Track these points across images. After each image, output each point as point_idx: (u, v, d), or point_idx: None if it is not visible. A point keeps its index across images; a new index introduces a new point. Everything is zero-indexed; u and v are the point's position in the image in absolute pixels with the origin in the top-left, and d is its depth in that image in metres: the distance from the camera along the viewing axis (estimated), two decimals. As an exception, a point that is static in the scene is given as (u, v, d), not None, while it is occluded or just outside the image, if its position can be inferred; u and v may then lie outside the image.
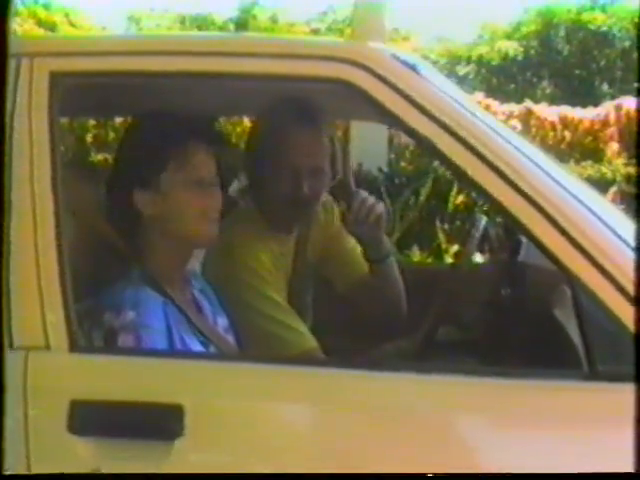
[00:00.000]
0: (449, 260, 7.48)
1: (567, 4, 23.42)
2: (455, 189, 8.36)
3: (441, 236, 7.88)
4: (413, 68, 2.11)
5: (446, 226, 8.17)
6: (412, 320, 2.71)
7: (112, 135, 9.03)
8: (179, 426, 1.91)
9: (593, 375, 1.93)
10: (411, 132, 2.03)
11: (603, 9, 23.38)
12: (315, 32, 17.73)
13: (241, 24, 18.33)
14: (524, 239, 3.01)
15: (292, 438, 2.02)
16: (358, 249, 2.99)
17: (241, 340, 2.45)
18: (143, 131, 2.30)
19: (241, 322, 2.49)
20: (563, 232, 1.91)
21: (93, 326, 2.11)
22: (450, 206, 8.37)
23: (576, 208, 1.97)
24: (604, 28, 22.89)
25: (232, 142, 2.65)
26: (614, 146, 12.37)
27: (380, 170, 8.80)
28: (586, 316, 2.00)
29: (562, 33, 23.32)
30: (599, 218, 1.98)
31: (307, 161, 2.66)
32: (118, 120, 7.97)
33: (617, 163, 11.10)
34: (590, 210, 1.99)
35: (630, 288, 1.85)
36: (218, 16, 19.48)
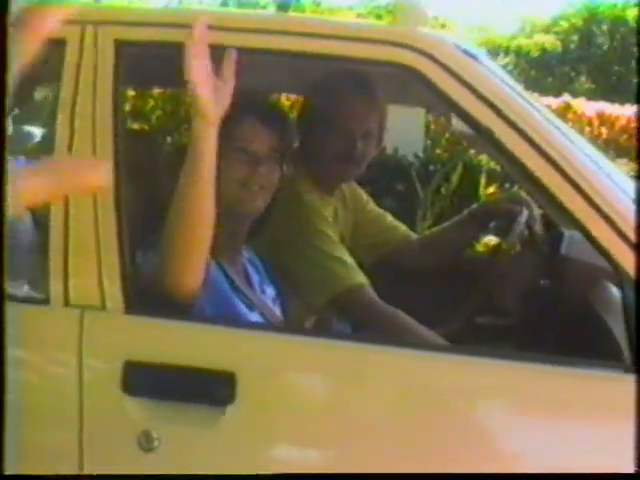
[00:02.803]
0: (480, 249, 7.49)
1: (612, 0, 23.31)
2: (484, 179, 8.36)
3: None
4: (475, 58, 2.14)
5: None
6: (453, 306, 2.75)
7: (151, 104, 9.09)
8: (230, 393, 1.95)
9: (635, 368, 1.95)
10: (471, 121, 2.06)
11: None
12: (360, 17, 17.67)
13: (283, 7, 18.28)
14: (566, 232, 3.04)
15: (332, 410, 2.07)
16: (388, 217, 3.21)
17: (287, 310, 2.52)
18: None
19: (296, 260, 2.61)
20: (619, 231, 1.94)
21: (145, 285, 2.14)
22: (481, 196, 8.36)
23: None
24: (647, 26, 22.75)
25: (291, 120, 2.68)
26: (651, 145, 12.34)
27: (416, 156, 8.80)
28: (629, 310, 2.03)
29: (604, 28, 23.20)
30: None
31: (361, 124, 2.81)
32: (157, 90, 8.03)
33: (652, 162, 11.06)
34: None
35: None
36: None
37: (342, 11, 17.49)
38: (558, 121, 2.31)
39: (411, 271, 3.14)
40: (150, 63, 2.45)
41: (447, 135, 9.64)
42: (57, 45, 2.10)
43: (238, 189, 2.28)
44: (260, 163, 2.30)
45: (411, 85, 2.20)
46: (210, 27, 2.22)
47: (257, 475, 1.96)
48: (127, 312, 2.06)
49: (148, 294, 2.05)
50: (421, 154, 9.02)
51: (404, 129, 8.23)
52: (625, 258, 1.95)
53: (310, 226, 2.68)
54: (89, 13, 2.22)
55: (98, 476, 2.00)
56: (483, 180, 8.38)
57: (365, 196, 3.19)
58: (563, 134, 2.10)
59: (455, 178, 8.32)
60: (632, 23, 22.68)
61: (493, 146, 2.08)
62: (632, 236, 1.93)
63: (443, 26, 17.16)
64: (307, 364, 2.10)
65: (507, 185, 8.25)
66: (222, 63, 1.96)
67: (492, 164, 8.39)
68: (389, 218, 3.23)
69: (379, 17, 17.93)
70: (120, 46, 2.16)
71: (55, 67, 2.14)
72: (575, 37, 23.30)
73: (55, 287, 2.08)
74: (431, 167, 8.72)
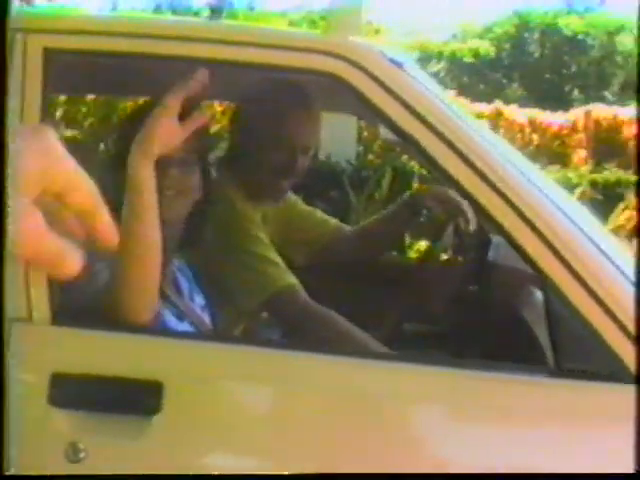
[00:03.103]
0: (413, 255, 7.54)
1: (544, 8, 23.58)
2: (416, 184, 8.43)
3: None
4: (401, 66, 2.16)
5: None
6: (381, 312, 2.77)
7: (83, 111, 9.02)
8: (157, 403, 1.94)
9: (559, 372, 1.99)
10: (397, 130, 2.08)
11: (580, 15, 23.59)
12: (291, 23, 17.71)
13: (216, 12, 18.22)
14: (493, 238, 3.08)
15: (264, 418, 2.08)
16: (318, 212, 3.24)
17: (216, 318, 2.52)
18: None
19: (227, 265, 2.60)
20: (542, 236, 1.97)
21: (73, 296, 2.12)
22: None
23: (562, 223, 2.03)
24: (579, 35, 23.08)
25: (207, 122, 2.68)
26: (581, 153, 12.52)
27: (348, 162, 8.84)
28: (553, 315, 2.06)
29: (536, 36, 23.49)
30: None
31: (300, 139, 2.81)
32: (90, 97, 7.99)
33: (584, 169, 11.22)
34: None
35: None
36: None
37: (275, 17, 17.48)
38: (486, 130, 2.34)
39: (346, 268, 3.15)
40: (81, 70, 2.44)
41: (379, 141, 9.70)
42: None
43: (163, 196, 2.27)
44: (172, 166, 2.27)
45: (341, 93, 2.21)
46: (142, 35, 2.23)
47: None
48: (54, 323, 2.04)
49: (87, 306, 2.04)
50: (353, 160, 9.07)
51: (336, 136, 8.27)
52: (527, 240, 1.98)
53: (241, 231, 2.67)
54: (19, 21, 2.20)
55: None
56: (415, 185, 8.43)
57: (293, 195, 3.18)
58: (488, 143, 2.13)
59: (386, 184, 8.37)
60: (564, 31, 22.99)
61: (420, 155, 2.10)
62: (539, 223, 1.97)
63: (377, 32, 17.19)
64: (235, 372, 2.09)
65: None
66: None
67: (424, 169, 8.47)
68: (319, 213, 3.24)
69: (313, 23, 17.98)
70: (49, 54, 2.14)
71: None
72: (508, 44, 23.55)
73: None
74: (364, 173, 8.77)
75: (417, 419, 2.10)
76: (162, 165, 2.24)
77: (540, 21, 22.87)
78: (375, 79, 2.07)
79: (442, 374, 2.05)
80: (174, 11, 19.17)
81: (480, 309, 2.84)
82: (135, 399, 1.98)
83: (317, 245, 3.15)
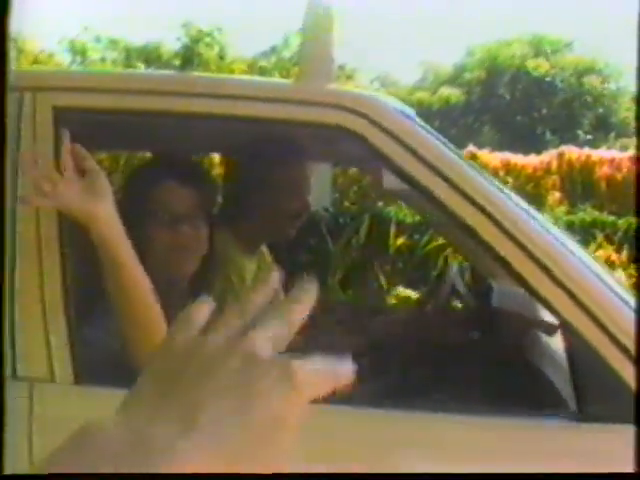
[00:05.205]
0: (392, 301, 7.56)
1: (511, 50, 23.82)
2: (393, 230, 8.45)
3: (382, 277, 7.97)
4: (411, 119, 2.19)
5: (387, 267, 8.26)
6: (383, 361, 2.77)
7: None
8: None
9: (579, 416, 2.01)
10: (412, 181, 2.11)
11: (547, 58, 23.85)
12: (262, 70, 17.73)
13: (188, 58, 18.23)
14: (495, 285, 3.10)
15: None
16: None
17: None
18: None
19: None
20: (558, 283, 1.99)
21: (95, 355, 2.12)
22: (390, 247, 8.45)
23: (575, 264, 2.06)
24: (547, 77, 23.31)
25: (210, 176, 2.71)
26: (556, 194, 12.60)
27: (325, 209, 8.86)
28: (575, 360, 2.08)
29: (505, 80, 23.74)
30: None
31: (294, 192, 2.88)
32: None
33: (559, 211, 11.28)
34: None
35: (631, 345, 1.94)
36: (165, 49, 19.37)
37: (246, 64, 17.48)
38: (494, 180, 2.37)
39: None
40: (91, 128, 2.45)
41: (355, 187, 9.74)
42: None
43: (164, 253, 2.29)
44: (182, 222, 2.30)
45: (350, 147, 2.23)
46: (138, 91, 2.23)
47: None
48: (77, 383, 2.03)
49: (98, 363, 2.03)
50: (330, 208, 9.08)
51: (313, 184, 8.26)
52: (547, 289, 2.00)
53: (238, 282, 2.71)
54: (28, 79, 2.23)
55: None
56: (392, 231, 8.46)
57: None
58: (503, 192, 2.16)
59: (364, 230, 8.40)
60: (532, 73, 23.22)
61: (435, 205, 2.12)
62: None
63: (349, 77, 17.27)
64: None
65: (417, 236, 8.37)
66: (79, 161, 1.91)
67: (401, 215, 8.52)
68: None
69: (286, 70, 18.03)
70: (58, 113, 2.15)
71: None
72: (478, 88, 23.77)
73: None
74: (341, 220, 8.78)
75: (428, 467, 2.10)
76: (172, 222, 2.26)
77: (509, 64, 23.14)
78: (383, 129, 2.10)
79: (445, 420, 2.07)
80: (146, 60, 19.16)
81: (486, 355, 2.85)
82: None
83: None
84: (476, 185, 2.08)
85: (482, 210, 2.04)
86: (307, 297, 0.66)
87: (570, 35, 27.45)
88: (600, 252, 8.60)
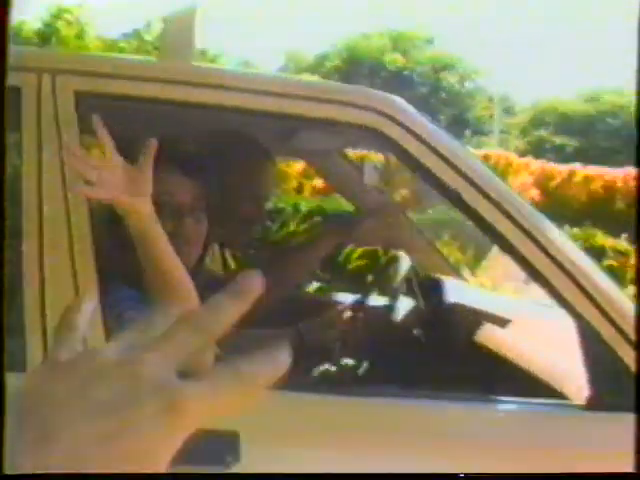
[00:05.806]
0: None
1: (370, 43, 23.98)
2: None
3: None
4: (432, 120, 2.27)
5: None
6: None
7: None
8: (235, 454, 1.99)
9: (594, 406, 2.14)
10: (437, 183, 2.18)
11: (404, 53, 24.13)
12: (122, 50, 17.40)
13: (46, 37, 17.70)
14: (445, 283, 3.18)
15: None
16: None
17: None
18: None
19: None
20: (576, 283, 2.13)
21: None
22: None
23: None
24: (405, 71, 23.61)
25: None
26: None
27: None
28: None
29: (365, 71, 23.95)
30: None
31: (263, 188, 2.93)
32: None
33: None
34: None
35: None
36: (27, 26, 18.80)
37: (105, 43, 17.11)
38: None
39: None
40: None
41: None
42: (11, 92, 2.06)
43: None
44: (186, 214, 2.29)
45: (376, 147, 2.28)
46: (147, 79, 2.24)
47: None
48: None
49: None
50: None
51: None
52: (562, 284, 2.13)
53: None
54: (46, 60, 2.22)
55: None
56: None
57: None
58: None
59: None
60: (388, 67, 23.47)
61: (458, 206, 2.20)
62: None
63: (213, 61, 17.14)
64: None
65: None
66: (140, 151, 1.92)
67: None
68: None
69: (147, 52, 17.75)
70: (80, 97, 2.14)
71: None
72: (336, 77, 23.91)
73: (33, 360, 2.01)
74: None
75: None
76: (177, 214, 2.27)
77: (368, 56, 23.39)
78: (410, 131, 2.17)
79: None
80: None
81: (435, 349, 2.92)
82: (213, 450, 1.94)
83: None
84: (498, 187, 2.18)
85: (507, 214, 2.13)
86: (244, 293, 0.60)
87: (431, 31, 28.21)
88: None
